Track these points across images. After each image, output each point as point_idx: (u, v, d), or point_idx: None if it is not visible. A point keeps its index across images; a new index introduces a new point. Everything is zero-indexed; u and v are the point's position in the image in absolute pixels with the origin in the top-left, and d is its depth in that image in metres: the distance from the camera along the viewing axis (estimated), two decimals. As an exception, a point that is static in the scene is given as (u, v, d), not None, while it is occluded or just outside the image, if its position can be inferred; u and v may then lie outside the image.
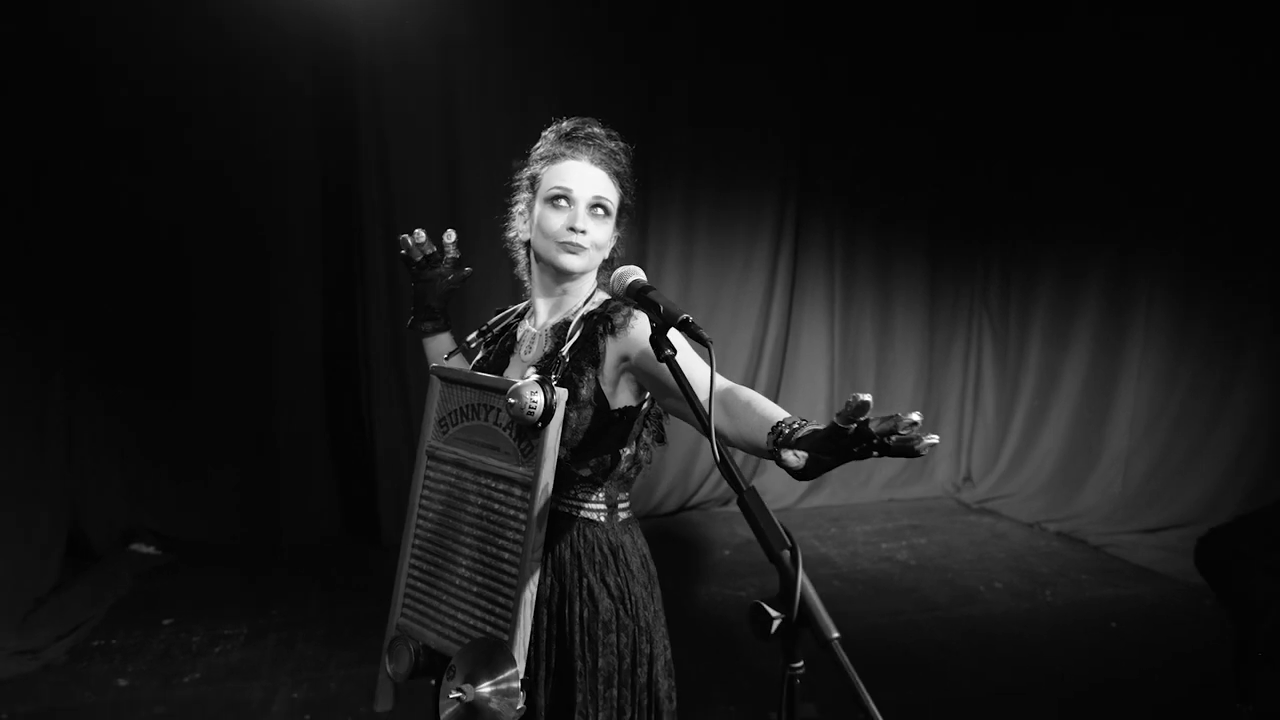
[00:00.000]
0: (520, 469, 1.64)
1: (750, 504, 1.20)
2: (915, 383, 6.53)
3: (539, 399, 1.56)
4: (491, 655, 1.55)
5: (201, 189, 5.08)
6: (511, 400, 1.57)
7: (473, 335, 1.97)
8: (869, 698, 1.07)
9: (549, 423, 1.59)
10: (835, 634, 1.08)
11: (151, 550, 5.18)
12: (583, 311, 1.77)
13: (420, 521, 1.82)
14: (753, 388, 5.67)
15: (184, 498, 5.30)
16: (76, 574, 4.74)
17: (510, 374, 1.81)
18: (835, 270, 6.32)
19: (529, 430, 1.62)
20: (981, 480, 6.36)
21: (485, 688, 1.51)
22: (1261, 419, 4.70)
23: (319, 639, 4.08)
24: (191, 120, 5.01)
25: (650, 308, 1.44)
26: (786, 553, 1.14)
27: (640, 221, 5.76)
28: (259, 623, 4.26)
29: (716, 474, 6.08)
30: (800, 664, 1.15)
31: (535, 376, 1.64)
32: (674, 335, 1.47)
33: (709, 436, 1.27)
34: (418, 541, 1.83)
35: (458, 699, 1.51)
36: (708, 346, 1.34)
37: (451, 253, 1.96)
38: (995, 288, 6.43)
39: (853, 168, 6.18)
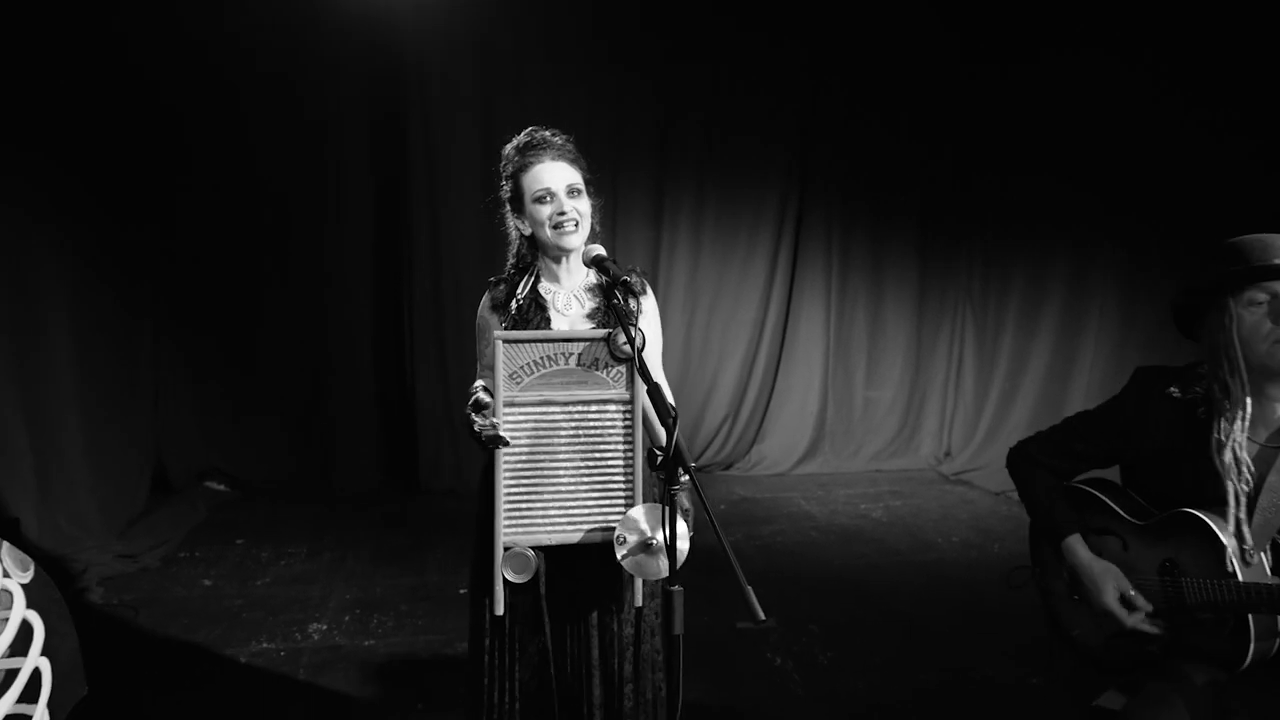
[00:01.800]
0: (614, 390, 2.19)
1: (653, 393, 1.93)
2: (904, 365, 7.18)
3: (639, 336, 2.10)
4: (658, 517, 2.07)
5: (269, 181, 5.89)
6: (624, 344, 2.11)
7: (511, 306, 2.34)
8: (707, 499, 1.78)
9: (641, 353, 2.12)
10: (693, 463, 1.81)
11: (222, 488, 5.99)
12: (604, 279, 2.29)
13: (508, 459, 2.17)
14: (754, 364, 6.43)
15: (251, 444, 6.10)
16: (160, 503, 5.56)
17: (559, 325, 2.31)
18: (832, 262, 6.97)
19: (622, 361, 2.17)
20: (959, 454, 7.01)
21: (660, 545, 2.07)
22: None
23: (366, 558, 4.86)
24: (262, 121, 5.82)
25: (604, 271, 2.17)
26: (670, 420, 1.86)
27: (655, 215, 6.50)
28: (316, 545, 5.05)
29: (719, 441, 6.80)
30: (678, 486, 1.87)
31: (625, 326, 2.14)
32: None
33: (633, 348, 2.00)
34: (509, 473, 2.18)
35: (646, 546, 2.05)
36: (638, 299, 2.07)
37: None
38: (978, 282, 7.05)
39: (850, 171, 6.84)
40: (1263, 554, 2.05)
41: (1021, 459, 2.44)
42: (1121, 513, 2.27)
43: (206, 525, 5.39)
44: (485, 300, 2.38)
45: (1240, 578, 1.99)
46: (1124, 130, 5.64)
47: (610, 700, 2.32)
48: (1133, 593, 2.16)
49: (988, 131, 6.77)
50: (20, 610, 1.43)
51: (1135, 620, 2.13)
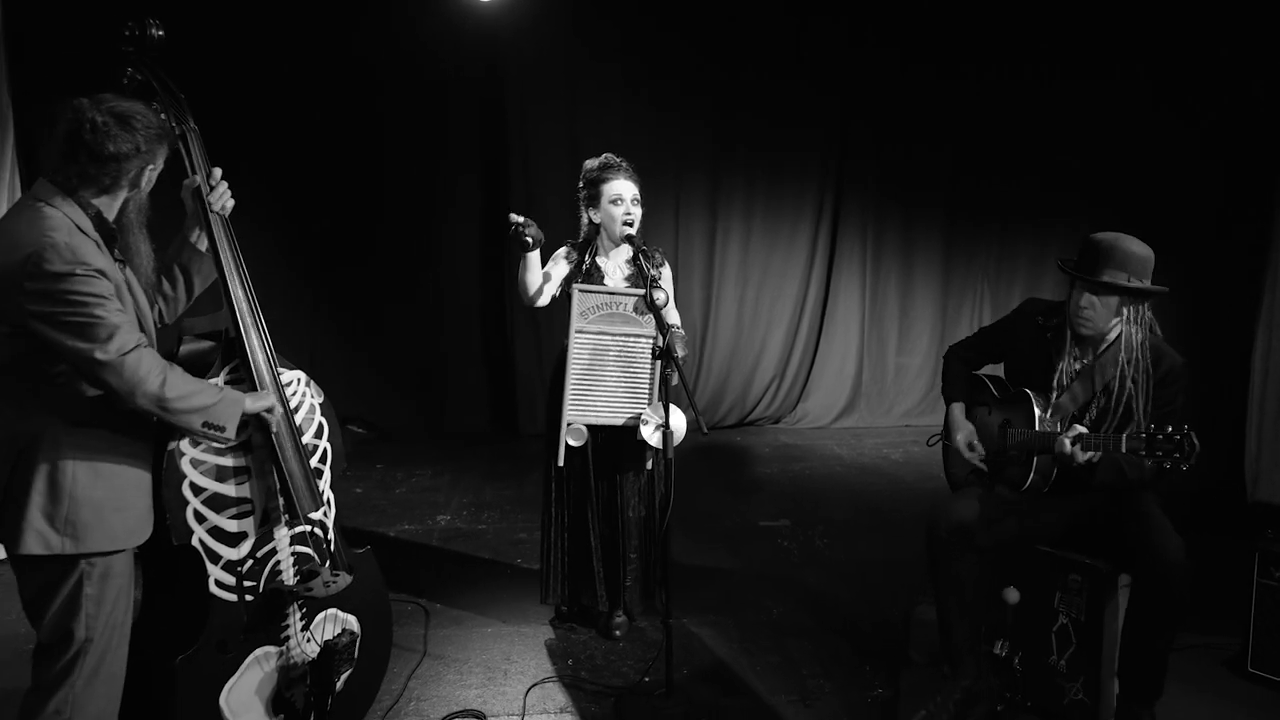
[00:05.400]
0: (646, 330, 3.49)
1: (658, 319, 3.18)
2: (930, 336, 8.24)
3: (663, 294, 3.35)
4: (668, 410, 3.17)
5: (396, 180, 7.26)
6: (658, 297, 3.28)
7: (574, 261, 3.66)
8: (685, 375, 3.02)
9: (665, 305, 3.39)
10: (683, 352, 3.05)
11: (361, 431, 7.42)
12: (639, 258, 3.57)
13: (575, 365, 3.45)
14: (797, 333, 7.97)
15: (384, 396, 7.46)
16: (315, 440, 7.01)
17: (609, 284, 3.56)
18: (867, 247, 8.08)
19: (652, 310, 3.33)
20: (978, 411, 8.08)
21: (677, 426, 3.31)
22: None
23: (478, 475, 6.23)
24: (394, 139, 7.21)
25: (631, 243, 3.44)
26: (666, 328, 3.10)
27: (711, 209, 7.69)
28: (438, 468, 6.42)
29: (769, 396, 7.97)
30: (671, 370, 3.10)
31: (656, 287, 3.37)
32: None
33: (648, 295, 3.24)
34: (575, 377, 3.45)
35: (660, 428, 3.16)
36: (652, 260, 3.33)
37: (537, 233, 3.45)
38: (993, 263, 8.12)
39: (881, 176, 7.97)
40: (1060, 422, 3.19)
41: (948, 355, 3.65)
42: (994, 392, 3.45)
43: (351, 456, 6.74)
44: (565, 249, 3.69)
45: (1036, 430, 3.15)
46: (1097, 137, 6.73)
47: (628, 527, 3.62)
48: (975, 442, 3.34)
49: (996, 143, 7.81)
50: (319, 415, 2.78)
51: (972, 457, 3.32)
